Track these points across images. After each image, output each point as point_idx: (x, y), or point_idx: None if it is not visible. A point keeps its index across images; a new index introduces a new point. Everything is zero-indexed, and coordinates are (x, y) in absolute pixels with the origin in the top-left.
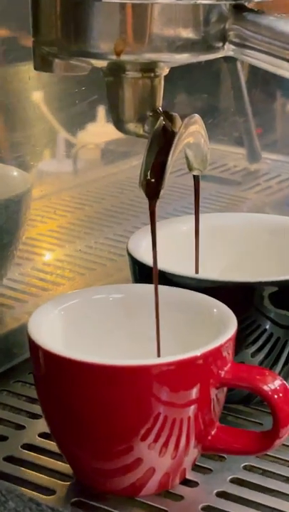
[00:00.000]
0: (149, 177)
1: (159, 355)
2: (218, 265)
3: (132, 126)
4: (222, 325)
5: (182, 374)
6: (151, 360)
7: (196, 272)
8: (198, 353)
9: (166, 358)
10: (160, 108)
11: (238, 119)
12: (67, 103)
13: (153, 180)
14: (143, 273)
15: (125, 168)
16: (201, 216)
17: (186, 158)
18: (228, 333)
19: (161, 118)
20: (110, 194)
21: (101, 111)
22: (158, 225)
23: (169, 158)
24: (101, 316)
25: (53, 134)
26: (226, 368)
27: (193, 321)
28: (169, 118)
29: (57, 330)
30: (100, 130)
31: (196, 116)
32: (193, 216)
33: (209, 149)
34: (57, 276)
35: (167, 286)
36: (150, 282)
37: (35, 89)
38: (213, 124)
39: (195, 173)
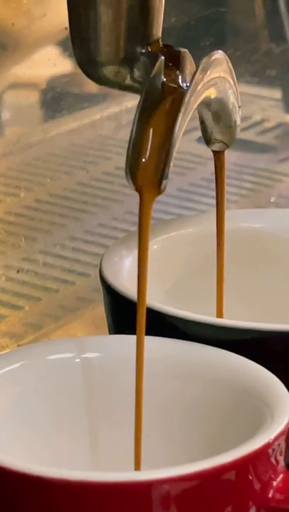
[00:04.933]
0: (143, 158)
1: (138, 464)
2: (249, 300)
3: (111, 70)
4: (268, 409)
5: (201, 495)
6: (148, 473)
7: (220, 314)
8: (226, 459)
9: (174, 470)
10: (160, 41)
11: (273, 48)
12: None
13: (150, 163)
14: (130, 314)
15: (84, 124)
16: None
17: (202, 123)
18: (278, 425)
19: (162, 58)
20: (60, 170)
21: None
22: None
23: (177, 127)
24: (59, 390)
25: None
26: (275, 483)
27: (216, 402)
28: (175, 57)
29: None
30: None
31: (220, 54)
32: (208, 215)
33: (241, 108)
34: None
35: (169, 339)
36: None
37: None
38: (235, 57)
39: (216, 147)
